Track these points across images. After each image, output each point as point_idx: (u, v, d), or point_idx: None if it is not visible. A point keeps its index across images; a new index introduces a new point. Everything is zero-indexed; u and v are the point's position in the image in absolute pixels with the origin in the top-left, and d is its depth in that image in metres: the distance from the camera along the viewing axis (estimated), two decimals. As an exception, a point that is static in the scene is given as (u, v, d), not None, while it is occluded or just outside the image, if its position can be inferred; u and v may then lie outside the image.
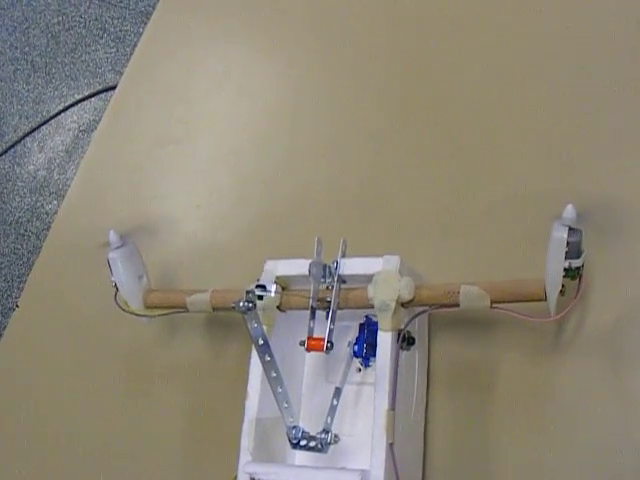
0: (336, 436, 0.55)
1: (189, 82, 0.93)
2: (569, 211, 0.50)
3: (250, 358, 0.59)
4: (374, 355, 0.55)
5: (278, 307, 0.60)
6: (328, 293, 0.58)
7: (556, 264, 0.51)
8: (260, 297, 0.58)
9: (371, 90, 0.80)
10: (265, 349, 0.53)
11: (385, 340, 0.54)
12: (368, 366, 0.60)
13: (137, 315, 0.69)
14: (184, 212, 0.84)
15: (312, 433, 0.56)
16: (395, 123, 0.77)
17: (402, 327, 0.55)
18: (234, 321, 0.72)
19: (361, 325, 0.60)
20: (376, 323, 0.56)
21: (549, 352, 0.59)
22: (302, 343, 0.57)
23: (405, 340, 0.55)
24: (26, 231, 1.72)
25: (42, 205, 1.72)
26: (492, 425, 0.59)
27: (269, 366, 0.53)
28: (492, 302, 0.53)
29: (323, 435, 0.55)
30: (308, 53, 0.87)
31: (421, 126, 0.75)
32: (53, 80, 1.84)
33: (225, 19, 0.95)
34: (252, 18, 0.93)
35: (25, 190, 1.76)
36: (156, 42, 0.99)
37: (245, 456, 0.56)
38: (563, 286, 0.51)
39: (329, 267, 0.58)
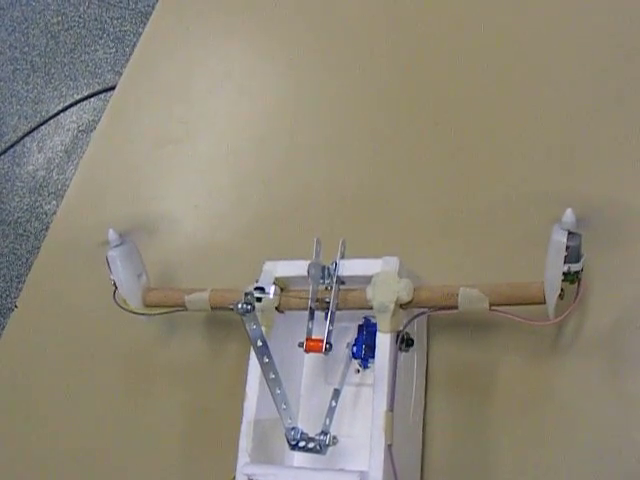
0: (335, 437, 0.55)
1: (188, 82, 0.93)
2: (568, 215, 0.50)
3: (249, 359, 0.59)
4: (373, 356, 0.55)
5: (277, 308, 0.60)
6: (327, 294, 0.58)
7: (555, 268, 0.51)
8: (259, 299, 0.58)
9: (371, 90, 0.80)
10: (264, 350, 0.53)
11: (384, 341, 0.54)
12: (367, 367, 0.60)
13: (136, 314, 0.69)
14: (183, 212, 0.84)
15: (311, 434, 0.56)
16: (395, 123, 0.77)
17: (401, 329, 0.55)
18: (233, 320, 0.71)
19: (360, 326, 0.60)
20: (375, 324, 0.56)
21: (548, 355, 0.59)
22: (301, 344, 0.57)
23: (404, 342, 0.55)
24: (25, 231, 1.71)
25: (41, 205, 1.72)
26: (491, 427, 0.59)
27: (268, 367, 0.53)
28: (491, 305, 0.53)
29: (322, 436, 0.55)
30: (308, 53, 0.87)
31: (421, 127, 0.75)
32: (52, 80, 1.84)
33: (225, 19, 0.95)
34: (252, 18, 0.93)
35: (24, 190, 1.75)
36: (155, 42, 0.99)
37: (243, 457, 0.56)
38: (562, 290, 0.51)
39: (328, 268, 0.58)
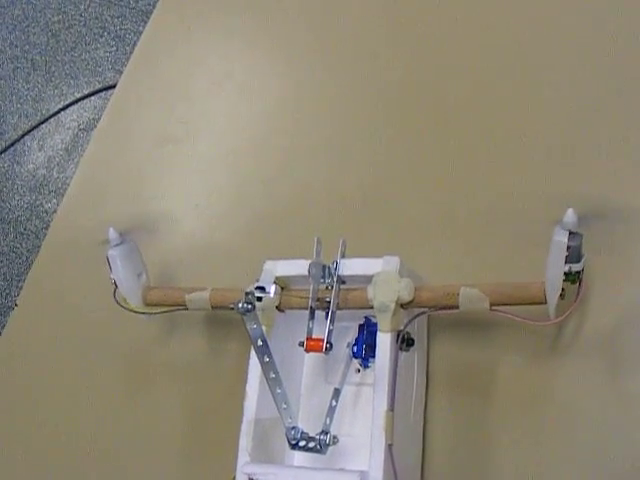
0: (335, 437, 0.55)
1: (189, 81, 0.93)
2: (570, 215, 0.50)
3: (249, 358, 0.59)
4: (373, 356, 0.55)
5: (277, 307, 0.60)
6: (327, 293, 0.58)
7: (556, 268, 0.51)
8: (259, 298, 0.58)
9: (371, 90, 0.80)
10: (264, 350, 0.53)
11: (384, 341, 0.54)
12: (367, 367, 0.60)
13: (136, 312, 0.69)
14: (183, 211, 0.84)
15: (311, 434, 0.56)
16: (395, 124, 0.77)
17: (401, 328, 0.55)
18: (233, 320, 0.71)
19: (360, 326, 0.60)
20: (375, 324, 0.56)
21: (548, 355, 0.59)
22: (301, 344, 0.57)
23: (404, 341, 0.55)
24: (25, 230, 1.71)
25: (41, 204, 1.72)
26: (491, 427, 0.59)
27: (268, 367, 0.53)
28: (492, 304, 0.53)
29: (322, 436, 0.55)
30: (308, 53, 0.87)
31: (421, 127, 0.75)
32: (53, 78, 1.83)
33: (225, 18, 0.95)
34: (253, 18, 0.93)
35: (24, 189, 1.75)
36: (156, 41, 0.99)
37: (244, 456, 0.56)
38: (563, 290, 0.51)
39: (328, 267, 0.58)
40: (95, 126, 1.37)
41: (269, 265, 0.61)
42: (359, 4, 0.86)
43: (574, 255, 0.51)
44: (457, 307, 0.54)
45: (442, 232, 0.68)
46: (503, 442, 0.58)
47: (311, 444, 0.55)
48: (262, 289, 0.58)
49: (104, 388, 0.77)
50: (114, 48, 1.81)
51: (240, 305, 0.49)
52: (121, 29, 1.82)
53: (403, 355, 0.55)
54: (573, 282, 0.52)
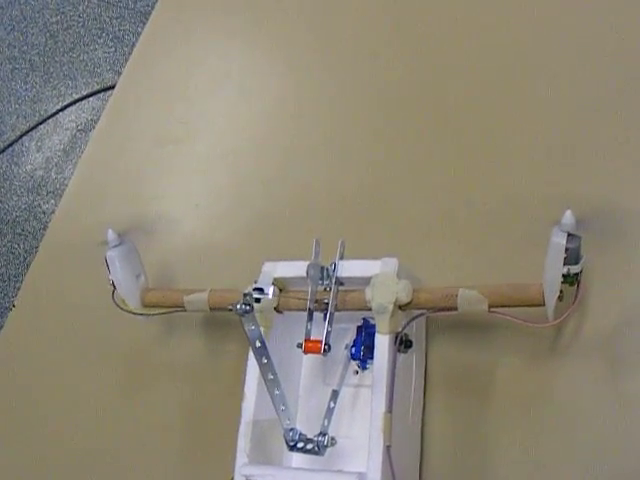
0: (333, 438, 0.55)
1: (188, 82, 0.93)
2: (568, 217, 0.50)
3: (247, 359, 0.58)
4: (371, 358, 0.55)
5: (276, 309, 0.60)
6: (326, 295, 0.58)
7: (555, 270, 0.51)
8: (257, 300, 0.58)
9: (371, 91, 0.80)
10: (262, 351, 0.52)
11: (382, 343, 0.54)
12: (365, 369, 0.60)
13: (134, 314, 0.69)
14: (182, 212, 0.83)
15: (309, 435, 0.56)
16: (395, 124, 0.77)
17: (400, 330, 0.55)
18: (232, 321, 0.71)
19: (359, 327, 0.60)
20: (374, 326, 0.56)
21: (547, 357, 0.59)
22: (299, 345, 0.57)
23: (402, 343, 0.55)
24: (23, 230, 1.71)
25: (39, 204, 1.72)
26: (489, 428, 0.59)
27: (266, 368, 0.53)
28: (490, 306, 0.53)
29: (320, 437, 0.55)
30: (308, 53, 0.87)
31: (421, 128, 0.75)
32: (51, 79, 1.83)
33: (225, 18, 0.95)
34: (252, 18, 0.93)
35: (22, 189, 1.75)
36: (155, 42, 0.98)
37: (242, 458, 0.56)
38: (561, 291, 0.51)
39: (327, 269, 0.58)
40: (93, 127, 1.37)
41: (267, 266, 0.61)
42: (359, 4, 0.86)
43: (572, 257, 0.50)
44: (456, 309, 0.54)
45: (441, 234, 0.68)
46: (501, 443, 0.58)
47: (309, 445, 0.55)
48: (260, 290, 0.58)
49: (102, 389, 0.77)
50: (112, 49, 1.81)
51: (238, 306, 0.50)
52: (120, 30, 1.82)
53: (401, 357, 0.55)
54: (571, 284, 0.52)
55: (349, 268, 0.58)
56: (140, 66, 0.98)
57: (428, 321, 0.63)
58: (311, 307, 0.58)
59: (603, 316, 0.58)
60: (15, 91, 1.85)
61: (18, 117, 1.82)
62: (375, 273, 0.56)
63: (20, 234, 1.71)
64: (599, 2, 0.72)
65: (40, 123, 1.73)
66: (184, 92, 0.92)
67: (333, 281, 0.58)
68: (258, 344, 0.52)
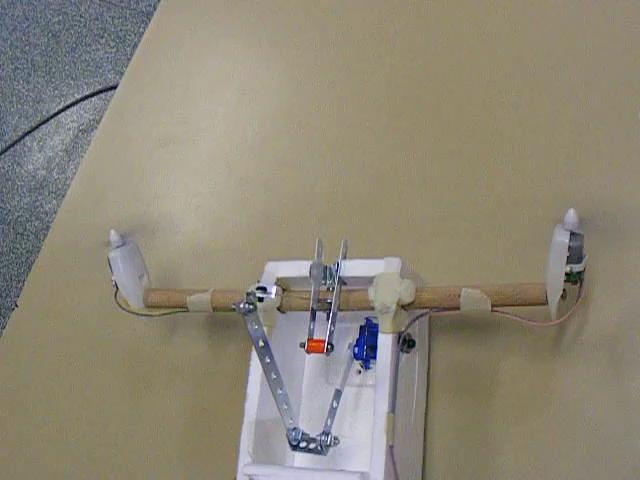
0: (336, 438, 0.55)
1: (190, 82, 0.93)
2: (571, 216, 0.50)
3: (250, 359, 0.59)
4: (374, 357, 0.55)
5: (279, 309, 0.60)
6: (329, 295, 0.58)
7: (557, 268, 0.51)
8: (261, 299, 0.58)
9: (373, 92, 0.80)
10: (265, 351, 0.52)
11: (385, 342, 0.54)
12: (368, 368, 0.60)
13: (137, 314, 0.69)
14: (185, 212, 0.84)
15: (312, 435, 0.56)
16: (397, 124, 0.77)
17: (403, 329, 0.55)
18: (234, 321, 0.71)
19: (361, 327, 0.60)
20: (376, 325, 0.56)
21: (549, 356, 0.59)
22: (302, 345, 0.57)
23: (405, 342, 0.55)
24: (25, 230, 1.71)
25: (41, 204, 1.72)
26: (492, 428, 0.59)
27: (269, 368, 0.53)
28: (493, 306, 0.53)
29: (323, 437, 0.55)
30: (309, 54, 0.87)
31: (422, 127, 0.75)
32: (53, 79, 1.83)
33: (226, 19, 0.95)
34: (253, 18, 0.93)
35: (24, 189, 1.75)
36: (157, 42, 0.99)
37: (244, 457, 0.56)
38: (564, 290, 0.51)
39: (330, 269, 0.58)
40: (95, 127, 1.37)
41: (270, 266, 0.61)
42: (361, 5, 0.86)
43: (575, 255, 0.51)
44: (458, 308, 0.54)
45: (443, 233, 0.68)
46: (504, 443, 0.58)
47: (312, 445, 0.55)
48: (263, 289, 0.58)
49: (105, 389, 0.77)
50: (114, 49, 1.81)
51: (242, 305, 0.49)
52: (121, 30, 1.82)
53: (404, 356, 0.55)
54: (574, 283, 0.52)
55: (352, 268, 0.58)
56: (142, 66, 0.98)
57: (431, 321, 0.63)
58: (314, 307, 0.58)
59: (606, 315, 0.58)
60: (17, 91, 1.85)
61: (20, 117, 1.82)
62: (378, 273, 0.56)
63: (22, 234, 1.71)
64: (602, 7, 0.72)
65: (42, 123, 1.73)
66: (186, 92, 0.92)
67: (336, 281, 0.58)
68: (261, 343, 0.52)
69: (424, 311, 0.57)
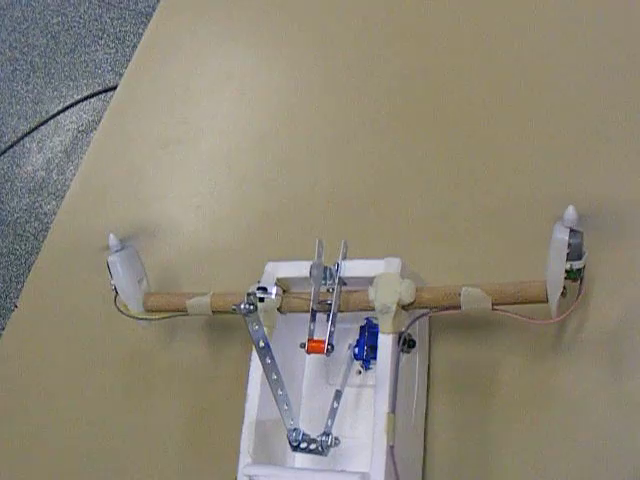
0: (336, 438, 0.55)
1: (190, 83, 0.93)
2: (570, 212, 0.50)
3: (250, 360, 0.58)
4: (375, 358, 0.55)
5: (279, 309, 0.60)
6: (329, 295, 0.58)
7: (557, 266, 0.51)
8: (261, 299, 0.58)
9: (372, 91, 0.80)
10: (266, 351, 0.52)
11: (386, 343, 0.54)
12: (368, 369, 0.60)
13: (137, 319, 0.68)
14: (184, 213, 0.83)
15: (312, 435, 0.56)
16: (397, 124, 0.77)
17: (403, 330, 0.55)
18: (234, 324, 0.71)
19: (362, 327, 0.60)
20: (377, 325, 0.56)
21: (550, 354, 0.59)
22: (302, 345, 0.57)
23: (406, 343, 0.55)
24: (24, 232, 1.71)
25: (40, 206, 1.72)
26: (492, 427, 0.59)
27: (270, 368, 0.53)
28: (493, 304, 0.53)
29: (323, 437, 0.54)
30: (309, 54, 0.87)
31: (422, 127, 0.75)
32: (52, 80, 1.83)
33: (226, 19, 0.95)
34: (253, 18, 0.93)
35: (24, 190, 1.75)
36: (156, 42, 0.99)
37: (245, 458, 0.56)
38: (564, 288, 0.51)
39: (330, 269, 0.58)
40: (95, 128, 1.37)
41: (270, 267, 0.61)
42: (360, 6, 0.86)
43: (575, 252, 0.51)
44: (459, 307, 0.54)
45: (443, 233, 0.68)
46: (504, 442, 0.58)
47: (312, 446, 0.55)
48: (264, 290, 0.58)
49: (104, 391, 0.77)
50: (113, 50, 1.81)
51: (242, 306, 0.49)
52: (121, 31, 1.82)
53: (404, 357, 0.55)
54: (574, 280, 0.52)
55: (352, 268, 0.58)
56: (141, 67, 0.98)
57: (431, 321, 0.63)
58: (314, 307, 0.58)
59: (606, 312, 0.58)
60: (16, 92, 1.85)
61: (19, 118, 1.82)
62: (378, 273, 0.56)
63: (21, 235, 1.71)
64: (602, 7, 0.72)
65: (41, 124, 1.73)
66: (185, 93, 0.92)
67: (336, 281, 0.58)
68: (262, 344, 0.52)
69: (424, 311, 0.57)
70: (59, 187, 1.72)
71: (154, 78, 0.96)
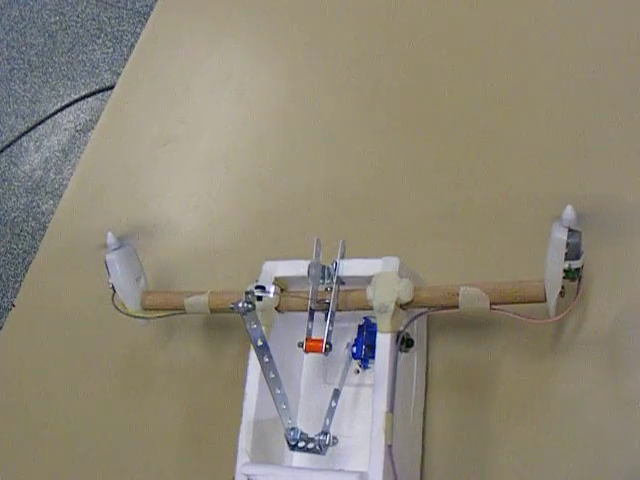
0: (334, 438, 0.55)
1: (188, 82, 0.93)
2: (569, 212, 0.50)
3: (248, 359, 0.58)
4: (373, 357, 0.55)
5: (277, 308, 0.60)
6: (327, 294, 0.58)
7: (556, 265, 0.51)
8: (259, 298, 0.58)
9: (371, 91, 0.80)
10: (264, 350, 0.52)
11: (384, 342, 0.54)
12: (367, 368, 0.60)
13: (135, 317, 0.68)
14: (182, 212, 0.83)
15: (310, 435, 0.56)
16: (395, 124, 0.77)
17: (401, 329, 0.55)
18: (232, 323, 0.71)
19: (360, 327, 0.60)
20: (375, 325, 0.56)
21: (548, 354, 0.59)
22: (300, 344, 0.57)
23: (404, 342, 0.55)
24: (22, 231, 1.71)
25: (38, 205, 1.72)
26: (490, 427, 0.59)
27: (268, 367, 0.53)
28: (491, 304, 0.53)
29: (321, 437, 0.54)
30: (308, 54, 0.87)
31: (420, 127, 0.75)
32: (50, 80, 1.83)
33: (224, 19, 0.95)
34: (251, 18, 0.93)
35: (21, 190, 1.75)
36: (154, 42, 0.98)
37: (243, 457, 0.56)
38: (563, 287, 0.51)
39: (328, 268, 0.58)
40: (92, 127, 1.37)
41: (268, 266, 0.61)
42: (359, 5, 0.86)
43: (573, 252, 0.51)
44: (457, 307, 0.54)
45: (442, 232, 0.68)
46: (503, 442, 0.58)
47: (310, 445, 0.55)
48: (262, 288, 0.58)
49: (102, 390, 0.77)
50: (111, 49, 1.81)
51: (240, 305, 0.49)
52: (118, 30, 1.82)
53: (403, 356, 0.55)
54: (572, 279, 0.52)
55: (350, 267, 0.58)
56: (139, 66, 0.98)
57: (429, 320, 0.63)
58: (312, 306, 0.58)
59: (604, 312, 0.57)
60: (14, 91, 1.85)
61: (17, 117, 1.82)
62: (376, 272, 0.56)
63: (19, 234, 1.71)
64: (600, 7, 0.72)
65: (39, 123, 1.73)
66: (183, 92, 0.92)
67: (334, 280, 0.58)
68: (260, 343, 0.52)
69: (423, 310, 0.57)
70: (56, 186, 1.71)
71: (152, 78, 0.96)
